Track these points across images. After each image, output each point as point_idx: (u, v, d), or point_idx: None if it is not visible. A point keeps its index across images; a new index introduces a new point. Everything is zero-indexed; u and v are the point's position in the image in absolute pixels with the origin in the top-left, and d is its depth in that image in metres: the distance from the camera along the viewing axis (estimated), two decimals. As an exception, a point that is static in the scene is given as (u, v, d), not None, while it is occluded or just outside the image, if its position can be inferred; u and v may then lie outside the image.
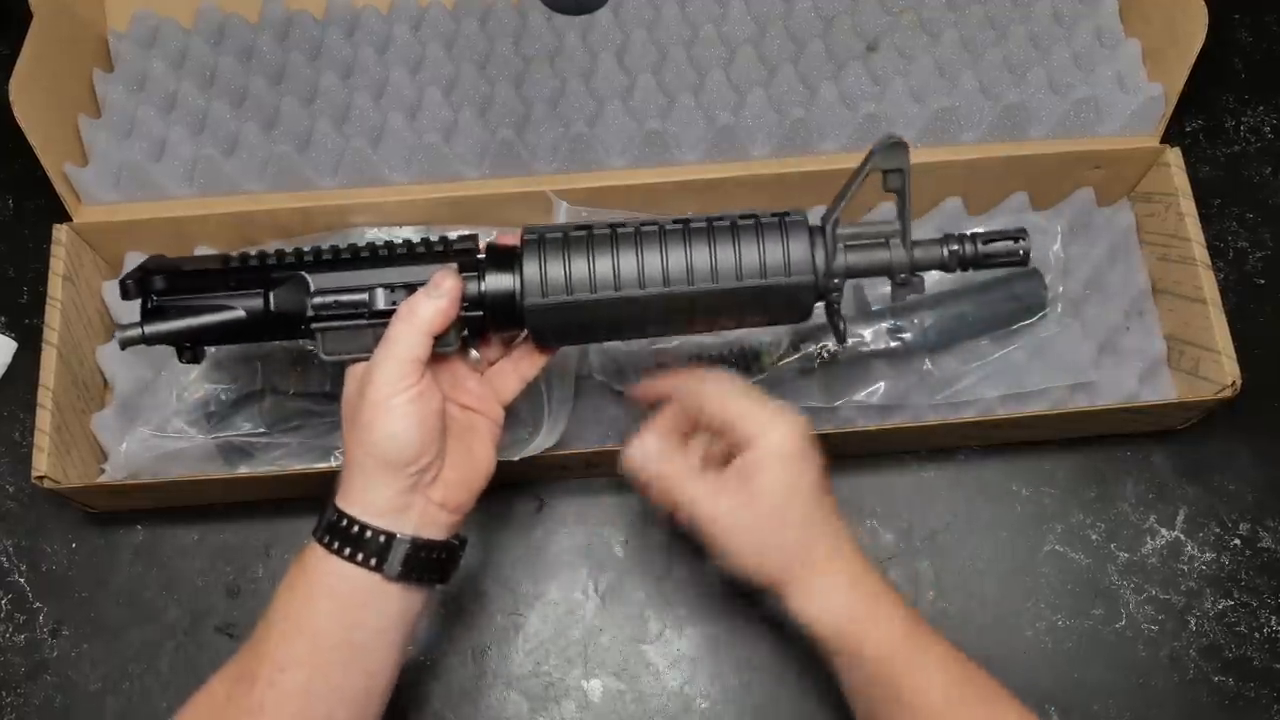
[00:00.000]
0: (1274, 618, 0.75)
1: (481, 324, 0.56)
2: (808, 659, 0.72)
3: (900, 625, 0.56)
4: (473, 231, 0.58)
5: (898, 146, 0.54)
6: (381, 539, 0.53)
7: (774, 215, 0.56)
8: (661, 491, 0.58)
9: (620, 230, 0.55)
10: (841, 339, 0.58)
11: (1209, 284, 0.75)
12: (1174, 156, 0.79)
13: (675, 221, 0.56)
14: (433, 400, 0.54)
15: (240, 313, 0.56)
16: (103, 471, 0.73)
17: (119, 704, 0.72)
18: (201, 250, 0.78)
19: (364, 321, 0.56)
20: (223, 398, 0.73)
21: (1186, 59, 0.75)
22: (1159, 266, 0.81)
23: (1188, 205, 0.77)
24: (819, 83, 0.80)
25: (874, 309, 0.77)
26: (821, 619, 0.56)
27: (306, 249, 0.58)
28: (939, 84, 0.80)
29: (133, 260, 0.78)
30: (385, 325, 0.54)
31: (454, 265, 0.56)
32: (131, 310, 0.60)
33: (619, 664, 0.73)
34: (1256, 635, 0.74)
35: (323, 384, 0.72)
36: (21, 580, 0.75)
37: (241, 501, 0.76)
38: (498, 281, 0.55)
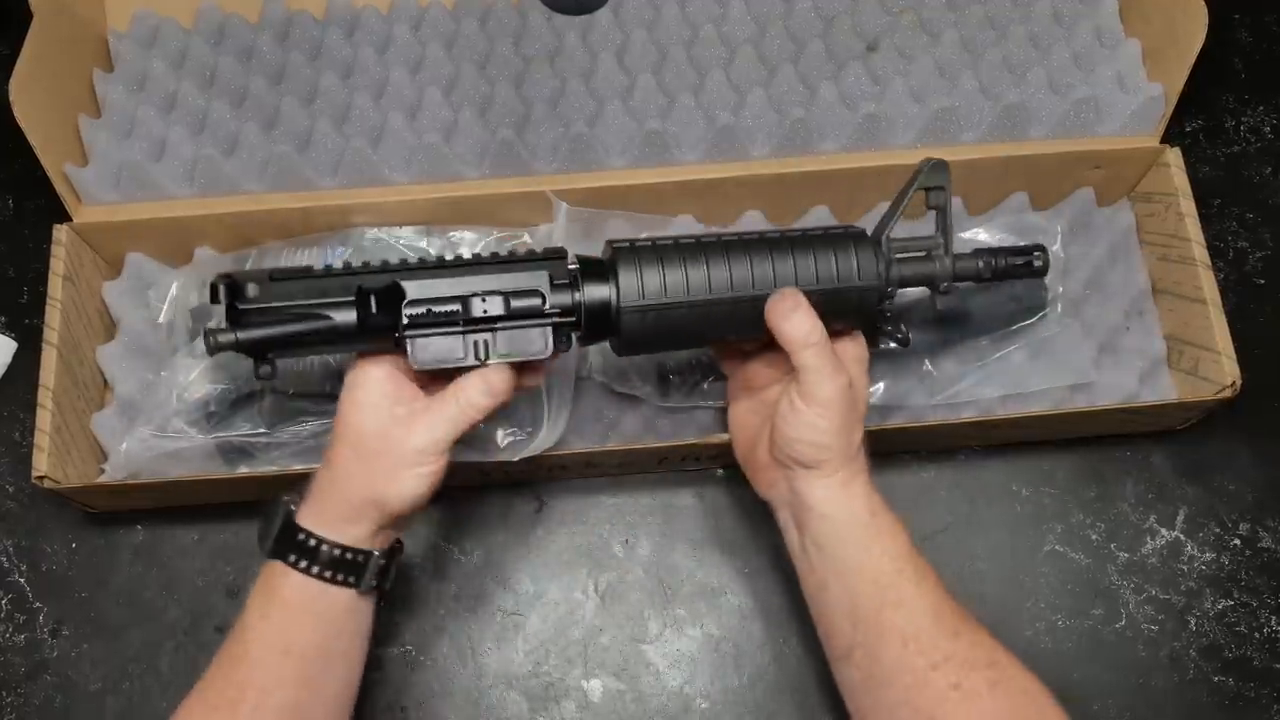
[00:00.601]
0: (1274, 618, 0.75)
1: (575, 329, 0.58)
2: (807, 659, 0.72)
3: (904, 536, 0.60)
4: (560, 247, 0.60)
5: (940, 166, 0.61)
6: (360, 559, 0.57)
7: (840, 229, 0.62)
8: (801, 347, 0.58)
9: (706, 240, 0.60)
10: (905, 342, 0.64)
11: (1209, 284, 0.75)
12: (1174, 156, 0.79)
13: (753, 234, 0.61)
14: (445, 468, 0.57)
15: (334, 321, 0.55)
16: (103, 472, 0.73)
17: (119, 704, 0.72)
18: (202, 251, 0.78)
19: (459, 328, 0.56)
20: (223, 398, 0.73)
21: (1186, 59, 0.75)
22: (1159, 266, 0.81)
23: (1188, 205, 0.77)
24: (819, 83, 0.80)
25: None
26: (853, 504, 0.59)
27: (395, 261, 0.57)
28: (939, 84, 0.80)
29: (133, 260, 0.78)
30: (478, 332, 0.56)
31: (509, 361, 0.57)
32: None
33: (619, 664, 0.73)
34: (1256, 635, 0.74)
35: (323, 384, 0.72)
36: (21, 580, 0.75)
37: (241, 501, 0.76)
38: (594, 291, 0.58)
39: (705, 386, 0.75)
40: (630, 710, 0.72)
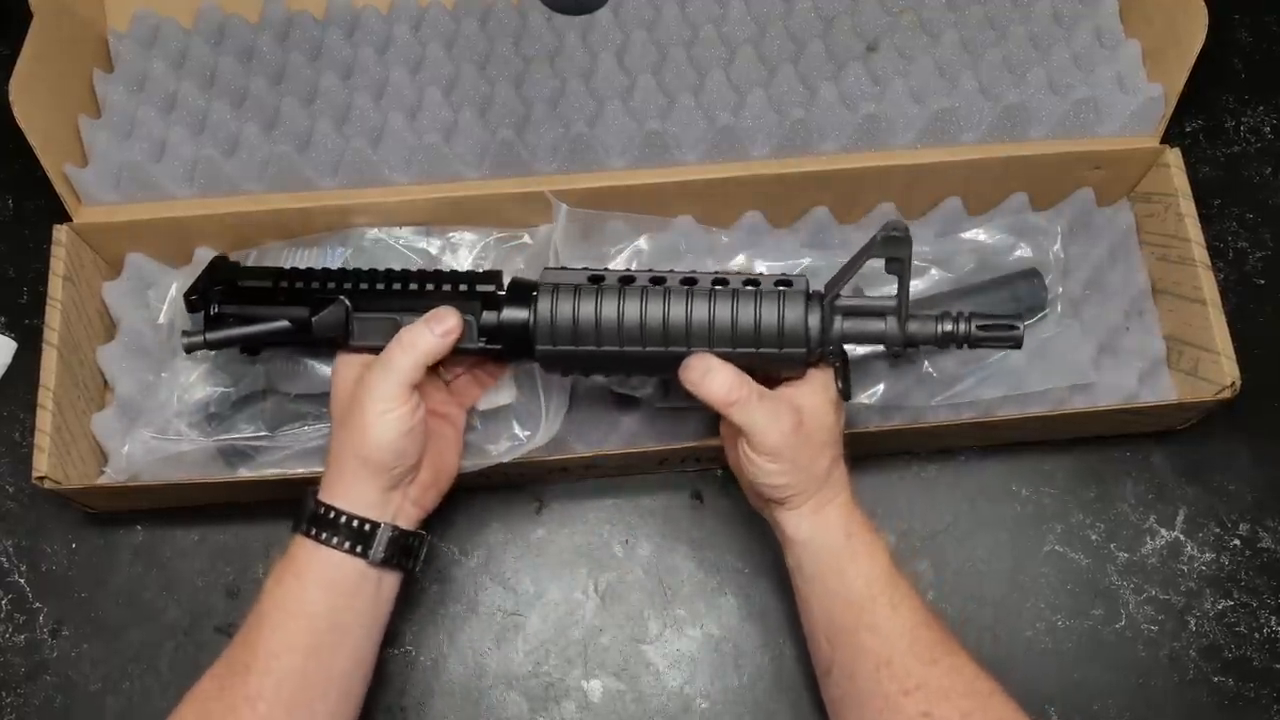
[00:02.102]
0: (1274, 618, 0.75)
1: (499, 355, 0.63)
2: (806, 660, 0.72)
3: (884, 556, 0.60)
4: (497, 270, 0.64)
5: (900, 240, 0.56)
6: (366, 526, 0.59)
7: (776, 283, 0.60)
8: (729, 409, 0.58)
9: (628, 284, 0.60)
10: (846, 397, 0.61)
11: (1209, 284, 0.75)
12: (1174, 157, 0.79)
13: (683, 281, 0.60)
14: (419, 413, 0.59)
15: (287, 325, 0.64)
16: (103, 473, 0.73)
17: (119, 704, 0.72)
18: (202, 251, 0.78)
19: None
20: (223, 399, 0.73)
21: (1186, 59, 0.75)
22: (1159, 267, 0.81)
23: (1187, 205, 0.77)
24: (819, 83, 0.80)
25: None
26: (828, 528, 0.60)
27: (348, 276, 0.65)
28: (939, 84, 0.80)
29: (133, 260, 0.78)
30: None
31: (460, 305, 0.62)
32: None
33: (619, 664, 0.73)
34: (1256, 635, 0.75)
35: (324, 386, 0.72)
36: (21, 580, 0.75)
37: (242, 502, 0.76)
38: (515, 313, 0.61)
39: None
40: (630, 710, 0.72)
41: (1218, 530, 0.77)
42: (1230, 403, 0.74)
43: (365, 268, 0.66)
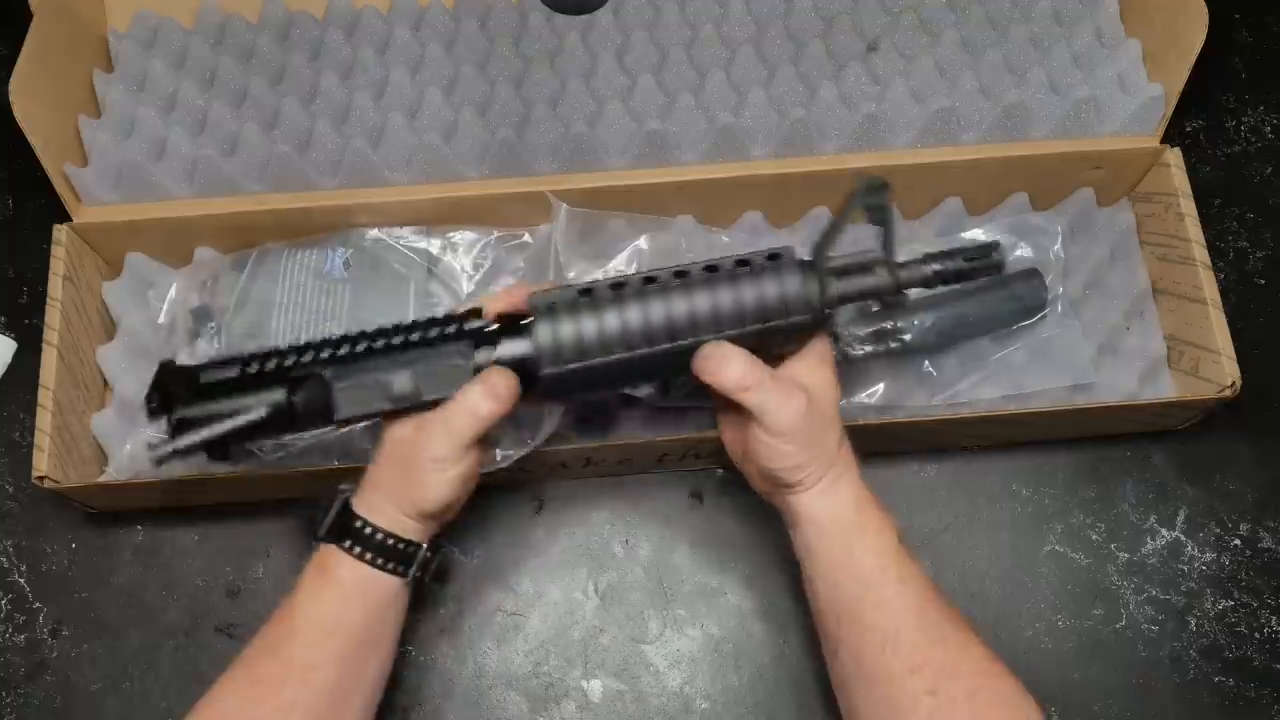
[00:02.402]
0: (1274, 618, 0.75)
1: None
2: (807, 659, 0.72)
3: (892, 534, 0.60)
4: (476, 306, 0.60)
5: (880, 187, 0.58)
6: (409, 548, 0.60)
7: (767, 257, 0.59)
8: (742, 391, 0.58)
9: (624, 286, 0.59)
10: (844, 358, 0.62)
11: (1209, 284, 0.75)
12: (1174, 156, 0.79)
13: (675, 275, 0.59)
14: (473, 466, 0.60)
15: (264, 414, 0.58)
16: (103, 472, 0.73)
17: (119, 704, 0.72)
18: (202, 250, 0.78)
19: (387, 407, 0.58)
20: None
21: (1187, 59, 0.75)
22: (1159, 266, 0.81)
23: (1188, 205, 0.77)
24: (819, 83, 0.80)
25: (874, 309, 0.77)
26: (838, 507, 0.60)
27: (323, 346, 0.59)
28: (939, 84, 0.80)
29: (133, 260, 0.78)
30: (406, 411, 0.58)
31: (504, 369, 0.58)
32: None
33: (619, 664, 0.73)
34: (1257, 636, 0.74)
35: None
36: (21, 580, 0.75)
37: (242, 502, 0.76)
38: (513, 347, 0.58)
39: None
40: (630, 710, 0.72)
41: (1218, 530, 0.77)
42: (1231, 402, 0.74)
43: (339, 334, 0.60)
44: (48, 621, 0.74)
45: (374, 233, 0.77)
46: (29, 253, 0.84)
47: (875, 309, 0.77)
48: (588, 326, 0.58)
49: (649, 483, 0.78)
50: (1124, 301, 0.80)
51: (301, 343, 0.60)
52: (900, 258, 0.61)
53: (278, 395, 0.58)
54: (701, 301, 0.58)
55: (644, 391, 0.74)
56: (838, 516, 0.60)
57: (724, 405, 0.65)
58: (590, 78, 0.81)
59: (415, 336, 0.59)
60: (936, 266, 0.60)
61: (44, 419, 0.69)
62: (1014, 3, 0.84)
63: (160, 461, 0.58)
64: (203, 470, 0.73)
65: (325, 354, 0.59)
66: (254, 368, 0.59)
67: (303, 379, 0.58)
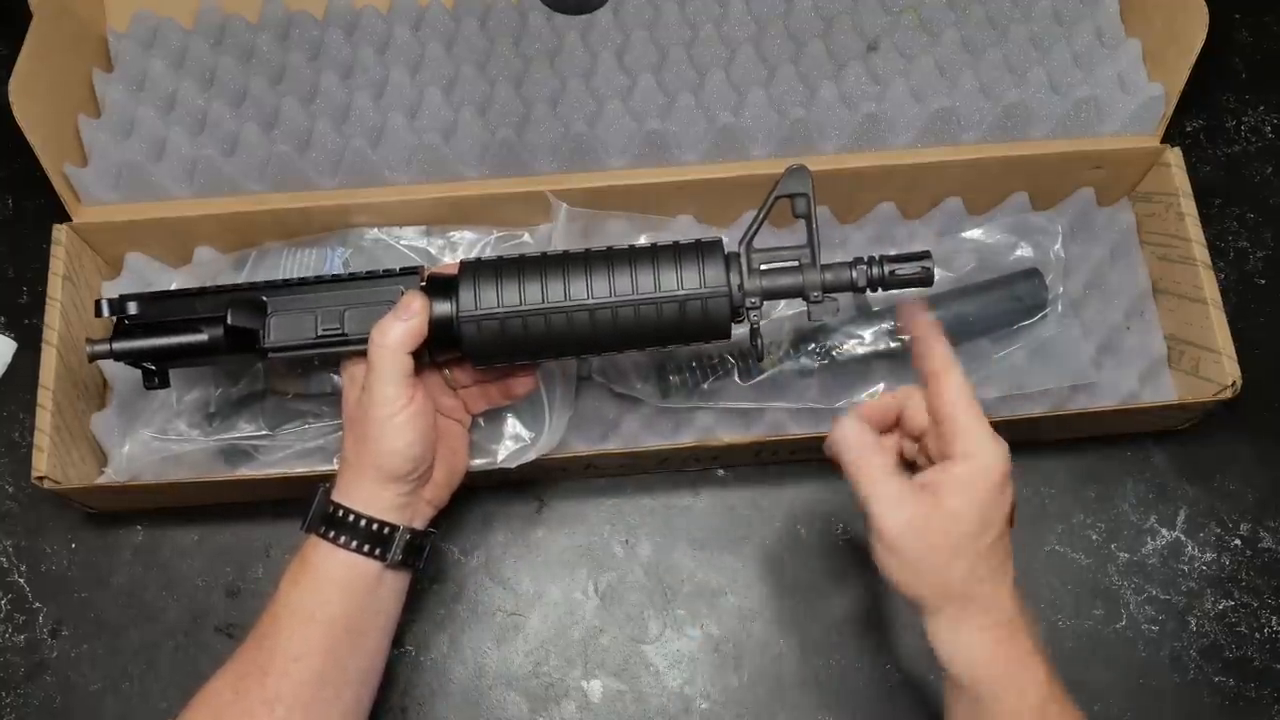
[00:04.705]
0: (1274, 618, 0.75)
1: (428, 351, 0.60)
2: (807, 659, 0.72)
3: (1034, 695, 0.52)
4: (418, 264, 0.61)
5: (799, 172, 0.58)
6: (385, 530, 0.58)
7: (693, 241, 0.59)
8: (852, 479, 0.54)
9: (549, 255, 0.59)
10: (759, 357, 0.61)
11: (1209, 284, 0.75)
12: (1174, 156, 0.79)
13: (604, 252, 0.59)
14: (428, 414, 0.59)
15: (202, 334, 0.61)
16: (103, 473, 0.73)
17: (119, 704, 0.72)
18: (202, 250, 0.78)
19: (310, 341, 0.60)
20: (223, 399, 0.73)
21: (1187, 59, 0.75)
22: (1159, 266, 0.81)
23: (1188, 205, 0.77)
24: (819, 83, 0.80)
25: (875, 309, 0.77)
26: (957, 659, 0.53)
27: (271, 282, 0.62)
28: (939, 84, 0.80)
29: (133, 260, 0.78)
30: (331, 346, 0.60)
31: (412, 286, 0.59)
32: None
33: (619, 664, 0.73)
34: (1257, 635, 0.74)
35: (324, 385, 0.72)
36: (21, 580, 0.75)
37: (242, 502, 0.76)
38: (437, 307, 0.59)
39: (705, 387, 0.75)
40: (630, 710, 0.72)
41: (1218, 530, 0.77)
42: (1231, 402, 0.74)
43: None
44: (47, 622, 0.74)
45: (374, 233, 0.77)
46: (29, 253, 0.84)
47: (876, 309, 0.77)
48: (509, 281, 0.58)
49: (649, 483, 0.78)
50: (1124, 301, 0.80)
51: (256, 281, 0.62)
52: (844, 259, 0.60)
53: (216, 314, 0.60)
54: (621, 275, 0.58)
55: (644, 391, 0.75)
56: (965, 668, 0.52)
57: None
58: (590, 77, 0.81)
59: (352, 276, 0.61)
60: (863, 269, 0.59)
61: (44, 419, 0.69)
62: (1014, 3, 0.84)
63: (94, 358, 0.61)
64: (203, 470, 0.73)
65: (265, 281, 0.61)
66: (207, 293, 0.61)
67: (242, 303, 0.60)
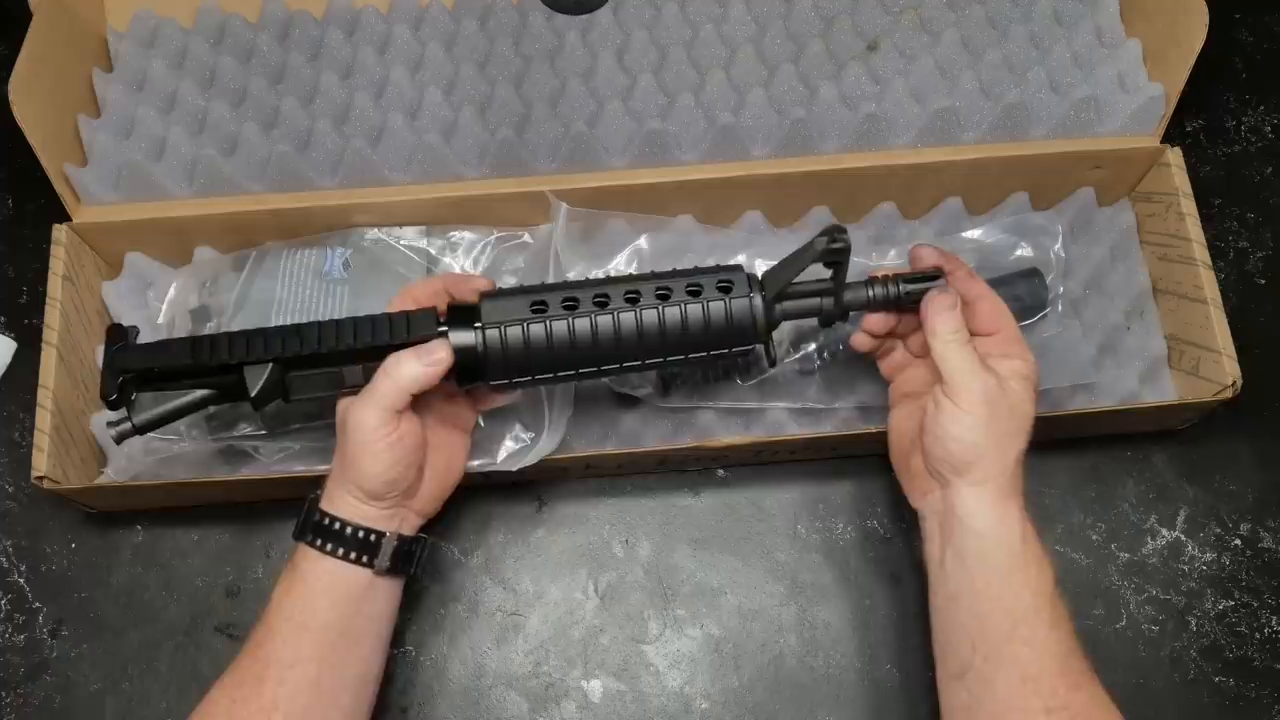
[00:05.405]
0: (1275, 618, 0.75)
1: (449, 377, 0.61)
2: (807, 659, 0.72)
3: (1050, 573, 0.59)
4: (431, 307, 0.62)
5: (841, 249, 0.59)
6: (371, 537, 0.59)
7: (719, 283, 0.61)
8: (940, 337, 0.60)
9: (575, 297, 0.60)
10: (772, 364, 0.65)
11: (1209, 284, 0.75)
12: (1174, 156, 0.79)
13: (626, 297, 0.60)
14: (411, 437, 0.59)
15: (214, 392, 0.62)
16: (103, 473, 0.73)
17: (119, 704, 0.72)
18: (202, 250, 0.78)
19: (328, 395, 0.61)
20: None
21: (1187, 59, 0.75)
22: (1159, 266, 0.81)
23: (1188, 205, 0.77)
24: (819, 83, 0.80)
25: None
26: (1000, 528, 0.58)
27: (273, 331, 0.61)
28: (939, 84, 0.80)
29: (133, 260, 0.78)
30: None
31: (445, 341, 0.59)
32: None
33: (619, 664, 0.73)
34: (1257, 636, 0.74)
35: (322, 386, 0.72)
36: (21, 580, 0.75)
37: (242, 502, 0.76)
38: (462, 337, 0.60)
39: (706, 387, 0.75)
40: (630, 710, 0.72)
41: (1218, 530, 0.77)
42: (1231, 402, 0.74)
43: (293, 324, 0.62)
44: (47, 621, 0.74)
45: (374, 233, 0.77)
46: (29, 253, 0.84)
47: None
48: (537, 348, 0.59)
49: (649, 483, 0.78)
50: (1124, 301, 0.80)
51: (251, 331, 0.61)
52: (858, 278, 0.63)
53: (230, 380, 0.61)
54: (650, 328, 0.60)
55: (644, 391, 0.74)
56: (1002, 538, 0.58)
57: (902, 391, 0.66)
58: (590, 77, 0.81)
59: (365, 343, 0.60)
60: (880, 288, 0.63)
61: (43, 419, 0.69)
62: (1014, 2, 0.84)
63: (121, 439, 0.63)
64: (203, 471, 0.73)
65: (277, 349, 0.60)
66: (206, 355, 0.61)
67: (258, 371, 0.60)
